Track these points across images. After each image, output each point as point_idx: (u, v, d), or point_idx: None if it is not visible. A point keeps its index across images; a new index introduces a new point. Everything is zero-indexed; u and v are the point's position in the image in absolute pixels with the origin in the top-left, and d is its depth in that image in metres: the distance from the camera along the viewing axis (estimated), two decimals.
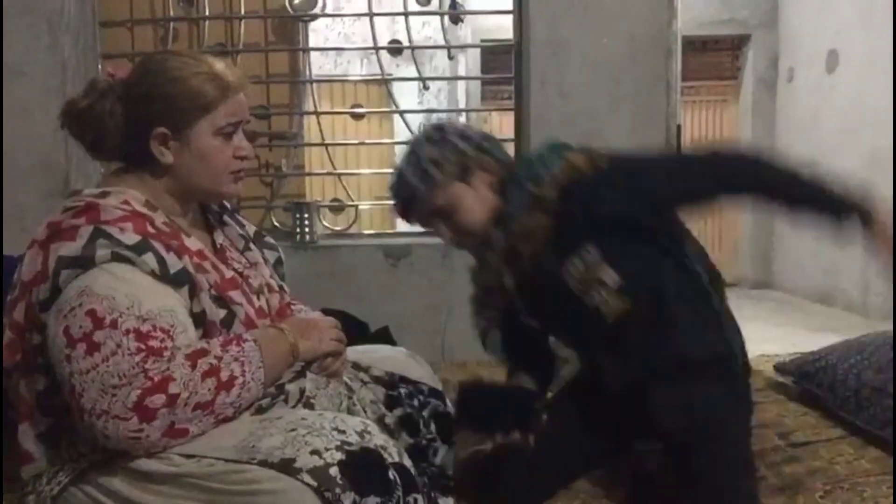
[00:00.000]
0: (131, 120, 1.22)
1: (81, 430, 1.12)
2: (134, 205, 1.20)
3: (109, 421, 1.08)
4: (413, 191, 1.47)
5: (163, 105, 1.20)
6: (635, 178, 1.41)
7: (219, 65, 1.25)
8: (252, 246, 1.41)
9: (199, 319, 1.20)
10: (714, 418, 1.37)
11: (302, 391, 1.27)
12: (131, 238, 1.15)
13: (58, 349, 1.11)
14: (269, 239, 1.49)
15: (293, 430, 1.12)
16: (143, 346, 1.09)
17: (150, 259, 1.15)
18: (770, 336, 4.77)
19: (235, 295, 1.25)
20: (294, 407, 1.25)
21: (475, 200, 1.48)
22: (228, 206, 1.44)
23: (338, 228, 2.75)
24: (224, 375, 1.14)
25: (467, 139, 1.49)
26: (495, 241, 1.49)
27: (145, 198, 1.23)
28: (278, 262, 1.47)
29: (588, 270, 1.40)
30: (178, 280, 1.17)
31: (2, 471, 1.45)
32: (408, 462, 1.16)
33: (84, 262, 1.12)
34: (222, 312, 1.22)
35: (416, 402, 1.40)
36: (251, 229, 1.46)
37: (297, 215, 2.57)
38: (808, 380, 1.95)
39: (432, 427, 1.39)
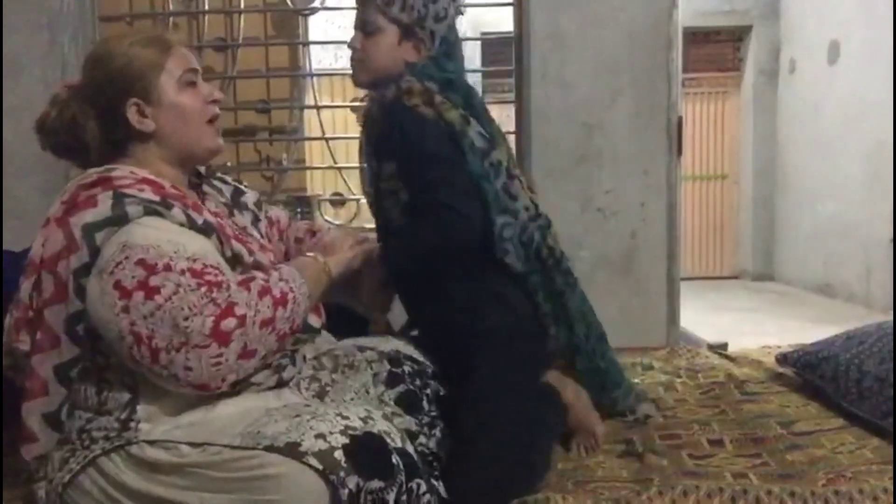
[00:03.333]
0: (102, 109, 1.27)
1: (150, 377, 1.15)
2: (141, 174, 1.25)
3: (191, 351, 1.11)
4: None
5: (122, 79, 1.26)
6: (414, 164, 1.55)
7: (148, 31, 1.35)
8: (235, 212, 1.46)
9: (235, 261, 1.26)
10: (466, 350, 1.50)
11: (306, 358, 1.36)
12: (154, 196, 1.20)
13: (108, 306, 1.13)
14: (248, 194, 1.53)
15: (297, 415, 1.14)
16: (202, 282, 1.14)
17: (177, 213, 1.20)
18: (771, 328, 4.78)
19: (253, 246, 1.33)
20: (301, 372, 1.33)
21: (389, 52, 1.63)
22: (203, 171, 1.48)
23: (339, 222, 2.75)
24: (276, 292, 1.21)
25: (438, 21, 1.63)
26: (364, 104, 1.69)
27: (148, 170, 1.27)
28: (257, 205, 1.52)
29: (391, 179, 1.60)
30: (205, 229, 1.23)
31: (1, 468, 1.46)
32: (410, 448, 1.18)
33: (118, 220, 1.16)
34: (251, 258, 1.29)
35: (418, 382, 1.42)
36: (229, 190, 1.49)
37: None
38: (809, 371, 1.95)
39: (435, 406, 1.40)
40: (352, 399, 1.34)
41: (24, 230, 2.27)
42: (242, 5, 2.63)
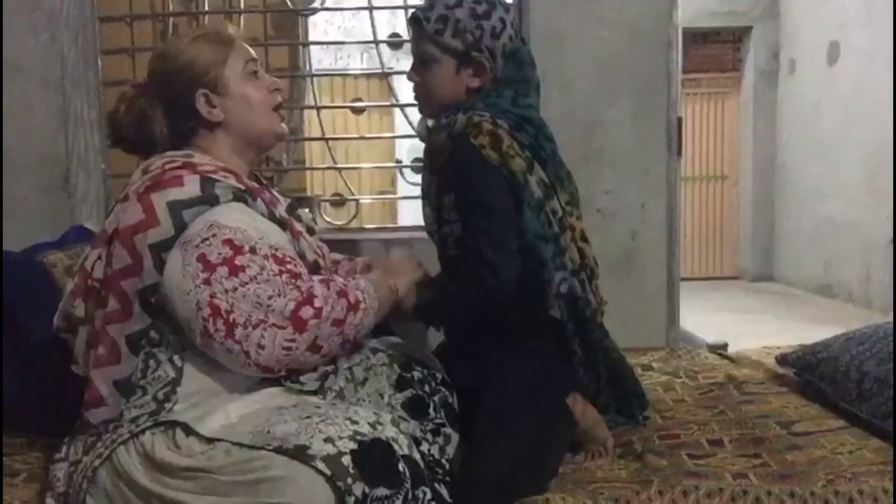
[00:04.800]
0: (170, 101, 1.32)
1: (220, 352, 1.19)
2: (218, 163, 1.30)
3: (267, 330, 1.16)
4: (424, 19, 1.55)
5: (190, 71, 1.31)
6: (473, 204, 1.50)
7: (210, 26, 1.41)
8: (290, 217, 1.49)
9: (302, 258, 1.32)
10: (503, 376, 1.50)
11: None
12: (239, 185, 1.26)
13: (190, 277, 1.17)
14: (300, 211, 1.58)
15: (307, 417, 1.15)
16: (283, 269, 1.20)
17: (260, 203, 1.27)
18: (771, 328, 4.79)
19: (307, 248, 1.39)
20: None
21: (448, 82, 1.56)
22: (264, 181, 1.53)
23: (339, 223, 2.75)
24: (352, 298, 1.26)
25: (495, 38, 1.54)
26: (425, 132, 1.66)
27: (218, 159, 1.32)
28: (311, 221, 1.60)
29: (448, 209, 1.56)
30: (282, 223, 1.30)
31: (1, 467, 1.46)
32: (416, 455, 1.19)
33: (208, 200, 1.21)
34: (312, 257, 1.36)
35: (426, 388, 1.42)
36: (285, 202, 1.54)
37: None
38: (809, 371, 1.95)
39: (441, 413, 1.40)
40: (363, 402, 1.35)
41: (25, 230, 2.27)
42: (242, 6, 2.63)
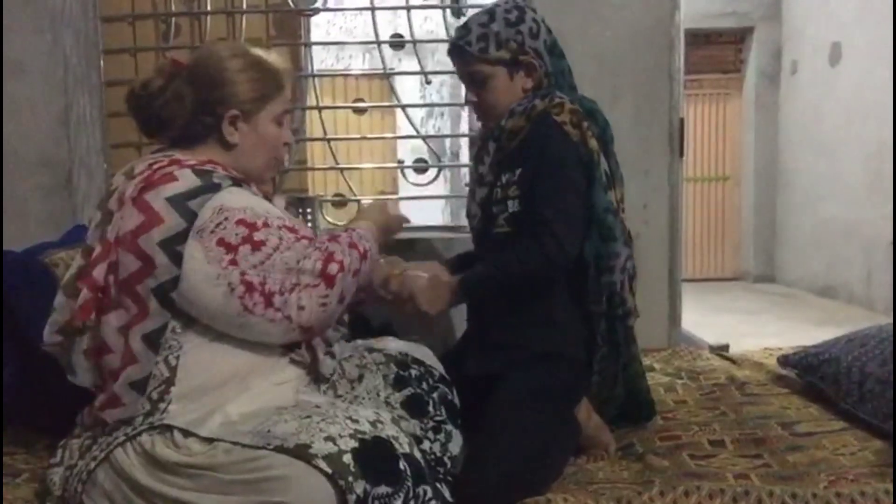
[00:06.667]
0: (201, 101, 1.32)
1: (261, 325, 1.20)
2: (202, 159, 1.31)
3: (303, 291, 1.20)
4: (465, 45, 1.60)
5: (233, 89, 1.32)
6: (556, 175, 1.54)
7: (273, 57, 1.38)
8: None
9: None
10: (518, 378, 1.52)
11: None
12: (230, 174, 1.30)
13: (215, 262, 1.19)
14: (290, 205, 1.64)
15: (307, 416, 1.15)
16: (298, 236, 1.25)
17: (254, 189, 1.32)
18: (773, 329, 4.79)
19: None
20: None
21: (506, 90, 1.62)
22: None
23: (341, 223, 2.74)
24: (361, 248, 1.31)
25: (535, 38, 1.61)
26: (486, 128, 1.69)
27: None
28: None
29: (506, 187, 1.60)
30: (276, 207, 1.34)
31: (1, 468, 1.46)
32: (418, 453, 1.19)
33: (210, 188, 1.23)
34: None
35: (424, 386, 1.42)
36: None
37: (300, 210, 2.58)
38: (811, 372, 1.95)
39: (441, 410, 1.40)
40: (361, 401, 1.35)
41: (26, 230, 2.28)
42: (244, 6, 2.63)
